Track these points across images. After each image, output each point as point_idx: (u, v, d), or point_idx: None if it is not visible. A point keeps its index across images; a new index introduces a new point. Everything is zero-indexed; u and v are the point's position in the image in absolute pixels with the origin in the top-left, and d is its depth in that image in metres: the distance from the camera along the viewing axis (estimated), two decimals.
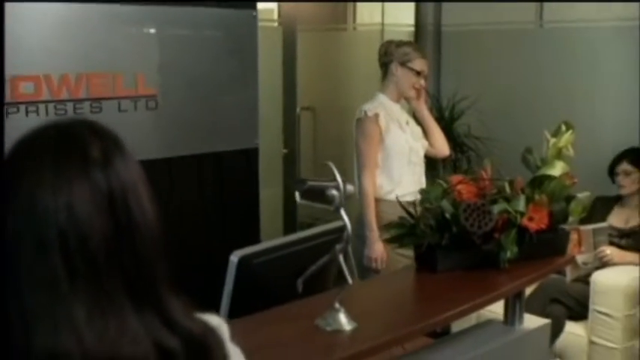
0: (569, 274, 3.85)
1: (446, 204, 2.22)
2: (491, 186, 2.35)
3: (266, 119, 4.15)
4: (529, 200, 2.32)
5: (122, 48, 3.34)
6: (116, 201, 0.96)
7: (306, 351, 1.72)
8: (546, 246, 2.36)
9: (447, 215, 2.21)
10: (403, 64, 3.75)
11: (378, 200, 3.67)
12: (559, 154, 2.47)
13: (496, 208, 2.24)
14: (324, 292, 2.11)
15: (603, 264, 3.83)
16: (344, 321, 1.80)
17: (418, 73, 3.76)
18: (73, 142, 0.98)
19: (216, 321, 1.10)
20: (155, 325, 0.96)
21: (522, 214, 2.28)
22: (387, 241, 2.33)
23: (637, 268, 3.81)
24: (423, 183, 3.75)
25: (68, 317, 0.91)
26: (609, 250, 3.85)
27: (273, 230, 4.90)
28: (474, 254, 2.23)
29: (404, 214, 2.40)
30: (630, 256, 3.88)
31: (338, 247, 1.83)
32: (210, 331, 1.05)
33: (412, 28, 5.45)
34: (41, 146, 0.98)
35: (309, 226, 4.75)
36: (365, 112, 3.69)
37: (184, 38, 3.57)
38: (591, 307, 3.73)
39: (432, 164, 4.35)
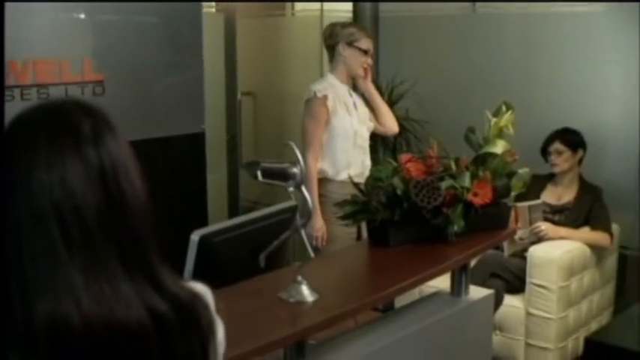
0: (507, 249, 3.98)
1: (397, 181, 2.31)
2: (438, 164, 2.46)
3: (209, 105, 4.19)
4: (474, 177, 2.44)
5: (69, 35, 3.34)
6: (107, 176, 1.02)
7: (273, 321, 1.79)
8: (490, 219, 2.49)
9: (399, 192, 2.30)
10: (350, 44, 3.80)
11: (323, 180, 3.73)
12: (500, 133, 2.59)
13: (443, 185, 2.35)
14: (280, 268, 2.19)
15: (539, 239, 3.96)
16: (306, 293, 1.88)
17: (365, 52, 3.82)
18: (65, 121, 1.03)
19: (202, 288, 1.16)
20: (146, 291, 1.02)
21: (468, 190, 2.40)
22: (341, 219, 2.40)
23: (570, 242, 3.99)
24: (367, 165, 3.82)
25: (67, 284, 0.96)
26: (544, 226, 3.99)
27: (218, 213, 4.94)
28: (424, 229, 2.34)
29: (348, 194, 2.48)
30: (563, 230, 4.03)
31: (299, 221, 1.91)
32: (197, 297, 1.12)
33: (350, 14, 5.51)
34: (35, 125, 1.02)
35: (251, 209, 4.82)
36: (314, 93, 3.72)
37: (131, 24, 3.59)
38: (528, 280, 3.87)
39: (372, 147, 4.43)
